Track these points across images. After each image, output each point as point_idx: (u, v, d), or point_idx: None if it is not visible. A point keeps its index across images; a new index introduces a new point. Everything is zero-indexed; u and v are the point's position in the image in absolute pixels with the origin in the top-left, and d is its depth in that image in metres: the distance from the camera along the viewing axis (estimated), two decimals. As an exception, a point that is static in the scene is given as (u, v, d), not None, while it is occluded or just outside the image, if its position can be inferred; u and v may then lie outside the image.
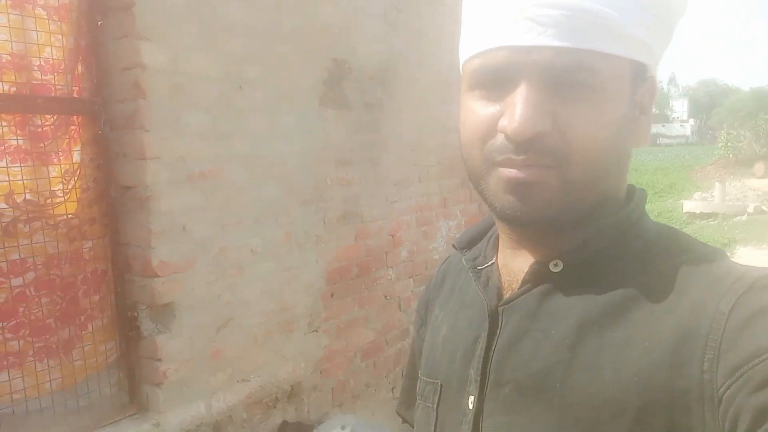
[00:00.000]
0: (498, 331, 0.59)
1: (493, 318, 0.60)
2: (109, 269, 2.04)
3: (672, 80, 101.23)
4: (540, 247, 0.60)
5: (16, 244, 1.83)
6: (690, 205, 12.59)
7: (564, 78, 0.52)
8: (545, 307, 0.57)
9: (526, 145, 0.52)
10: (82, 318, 1.99)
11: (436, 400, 0.65)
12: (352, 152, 2.85)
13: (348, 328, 2.87)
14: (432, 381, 0.67)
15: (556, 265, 0.58)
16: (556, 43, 0.51)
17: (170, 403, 2.06)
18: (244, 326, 2.32)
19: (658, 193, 14.93)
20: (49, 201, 1.89)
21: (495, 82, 0.55)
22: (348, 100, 2.82)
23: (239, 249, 2.29)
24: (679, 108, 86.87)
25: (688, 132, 68.29)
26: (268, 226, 2.41)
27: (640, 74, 0.56)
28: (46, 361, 1.89)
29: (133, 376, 2.05)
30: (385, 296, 3.13)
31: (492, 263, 0.66)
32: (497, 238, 0.67)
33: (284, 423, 2.47)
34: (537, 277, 0.59)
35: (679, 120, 79.72)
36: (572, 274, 0.57)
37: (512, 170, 0.54)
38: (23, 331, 1.87)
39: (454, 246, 0.72)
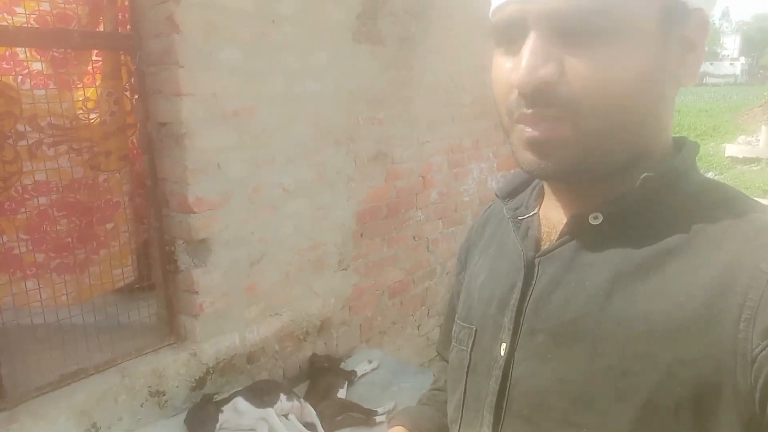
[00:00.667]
0: (533, 281, 0.60)
1: (530, 268, 0.60)
2: (123, 200, 2.14)
3: (725, 15, 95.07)
4: (580, 199, 0.59)
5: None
6: (732, 149, 12.13)
7: (573, 24, 0.49)
8: (582, 258, 0.57)
9: (534, 96, 0.51)
10: (95, 244, 2.15)
11: (470, 344, 0.66)
12: (384, 91, 2.80)
13: (377, 267, 2.92)
14: (467, 326, 0.68)
15: (596, 217, 0.57)
16: None
17: (206, 334, 2.16)
18: (277, 262, 2.38)
19: (699, 136, 14.35)
20: (74, 123, 2.01)
21: (510, 37, 0.54)
22: (382, 35, 2.74)
23: (272, 187, 2.31)
24: (731, 45, 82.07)
25: (738, 71, 64.77)
26: (300, 166, 2.42)
27: (676, 9, 0.52)
28: (63, 276, 2.09)
29: (171, 308, 2.14)
30: (414, 237, 3.15)
31: (533, 214, 0.66)
32: (541, 188, 0.67)
33: (314, 355, 2.57)
34: (576, 229, 0.58)
35: (729, 58, 75.48)
36: (611, 226, 0.56)
37: (527, 128, 0.54)
38: (45, 246, 2.06)
39: (496, 194, 0.72)
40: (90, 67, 2.00)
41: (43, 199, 2.00)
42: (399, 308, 3.13)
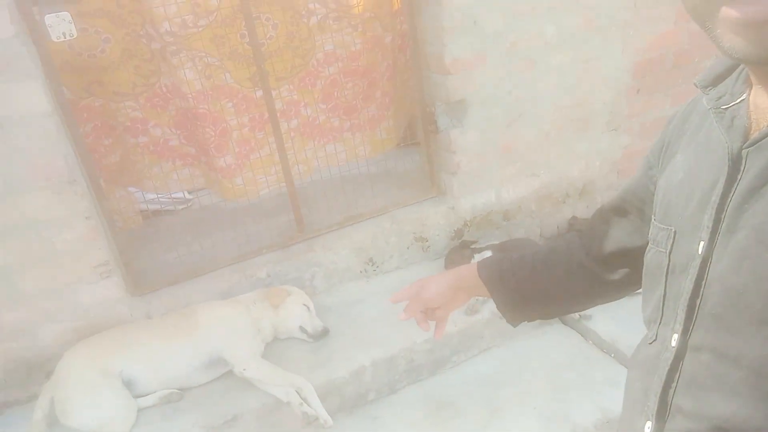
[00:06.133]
0: (739, 175, 0.54)
1: (735, 161, 0.55)
2: (397, 61, 2.36)
3: None
4: None
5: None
6: None
7: None
8: None
9: None
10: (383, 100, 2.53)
11: (670, 246, 0.63)
12: None
13: (654, 127, 2.57)
14: (665, 227, 0.64)
15: None
16: None
17: (463, 190, 2.27)
18: (535, 122, 2.30)
19: None
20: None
21: None
22: None
23: (531, 40, 2.17)
24: None
25: None
26: (564, 12, 2.18)
27: None
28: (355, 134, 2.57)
29: (432, 165, 2.30)
30: (709, 91, 2.64)
31: (741, 101, 0.57)
32: (748, 73, 0.58)
33: (573, 218, 2.51)
34: None
35: None
36: None
37: (739, 8, 0.46)
38: (339, 111, 2.51)
39: (695, 84, 0.64)
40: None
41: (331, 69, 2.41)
42: (681, 174, 2.76)
